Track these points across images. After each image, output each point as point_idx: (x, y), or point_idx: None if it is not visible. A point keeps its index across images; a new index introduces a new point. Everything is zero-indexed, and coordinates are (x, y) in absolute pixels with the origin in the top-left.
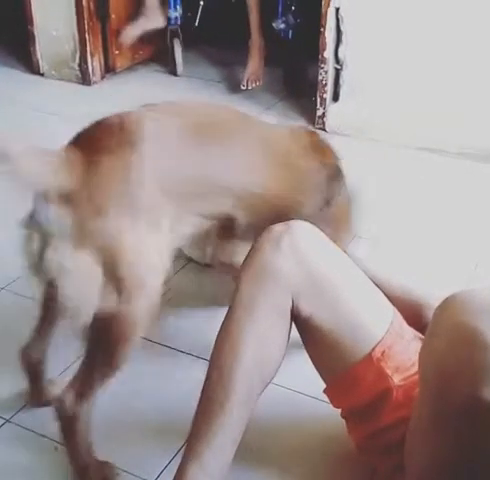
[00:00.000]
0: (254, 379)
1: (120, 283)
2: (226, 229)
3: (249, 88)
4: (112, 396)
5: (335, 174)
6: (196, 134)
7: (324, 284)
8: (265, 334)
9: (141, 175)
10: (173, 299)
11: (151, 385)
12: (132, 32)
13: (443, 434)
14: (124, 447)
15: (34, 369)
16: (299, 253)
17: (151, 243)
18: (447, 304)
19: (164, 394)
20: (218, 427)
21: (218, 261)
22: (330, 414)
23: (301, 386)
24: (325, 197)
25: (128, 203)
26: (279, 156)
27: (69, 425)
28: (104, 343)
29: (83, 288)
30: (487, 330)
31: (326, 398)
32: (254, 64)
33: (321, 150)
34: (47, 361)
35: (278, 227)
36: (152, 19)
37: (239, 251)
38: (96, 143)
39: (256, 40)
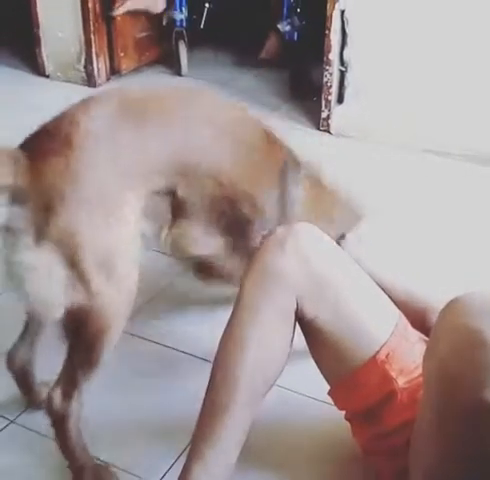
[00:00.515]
0: (258, 381)
1: (85, 276)
2: (178, 209)
3: (267, 58)
4: (116, 397)
5: (289, 167)
6: (135, 118)
7: (328, 286)
8: (269, 336)
9: (87, 168)
10: (178, 301)
11: (155, 386)
12: (128, 5)
13: (447, 437)
14: (128, 448)
15: (21, 372)
16: (303, 255)
17: (114, 232)
18: (450, 307)
19: (168, 395)
20: (222, 428)
21: (174, 248)
22: (335, 417)
23: (306, 388)
24: (281, 191)
25: (81, 196)
26: (228, 137)
27: (60, 425)
28: (81, 340)
29: (48, 285)
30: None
31: (331, 400)
32: (273, 39)
33: (273, 141)
34: (36, 363)
35: (282, 229)
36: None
37: (192, 239)
38: (42, 145)
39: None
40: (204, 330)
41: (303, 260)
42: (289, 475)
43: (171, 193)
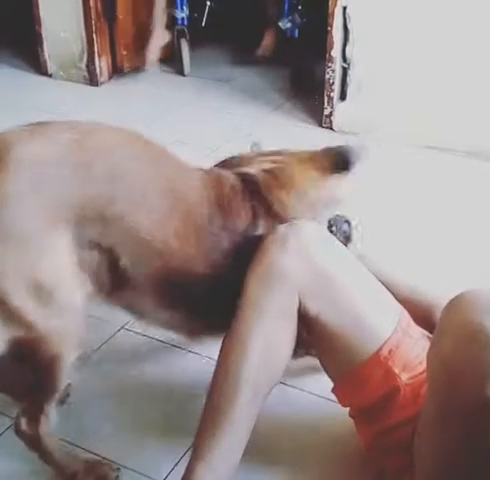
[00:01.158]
0: (261, 379)
1: (18, 310)
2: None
3: (264, 55)
4: (119, 397)
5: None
6: (77, 158)
7: (330, 283)
8: (272, 334)
9: (14, 201)
10: None
11: (159, 385)
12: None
13: (451, 433)
14: (133, 447)
15: None
16: (305, 252)
17: (44, 263)
18: (454, 303)
19: (172, 394)
20: (226, 426)
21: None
22: (339, 414)
23: (310, 386)
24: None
25: (4, 231)
26: (174, 201)
27: (36, 446)
28: (36, 367)
29: None
30: None
31: (335, 398)
32: (269, 37)
33: (228, 206)
34: None
35: (283, 227)
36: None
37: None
38: None
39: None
40: None
41: (305, 257)
42: (293, 472)
43: (109, 253)
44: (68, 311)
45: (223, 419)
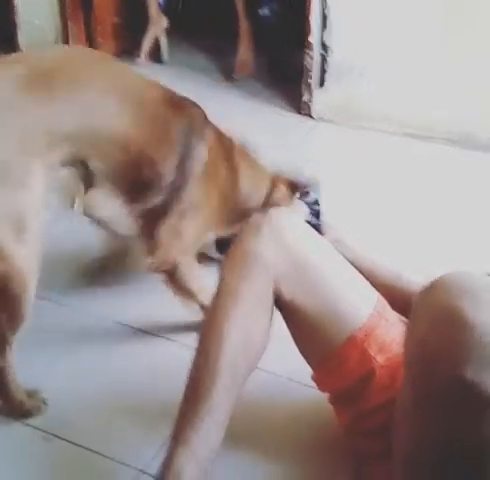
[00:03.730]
0: (239, 364)
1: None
2: (88, 179)
3: (241, 76)
4: (100, 386)
5: (192, 128)
6: (41, 84)
7: (305, 269)
8: (249, 320)
9: None
10: (161, 290)
11: (139, 373)
12: (147, 45)
13: (428, 416)
14: (114, 435)
15: None
16: (279, 239)
17: (21, 199)
18: (430, 287)
19: (151, 380)
20: (205, 412)
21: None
22: (318, 400)
23: (289, 372)
24: (182, 152)
25: None
26: (132, 103)
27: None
28: (4, 301)
29: None
30: (468, 310)
31: (313, 383)
32: (244, 52)
33: (175, 103)
34: None
35: (258, 216)
36: (158, 23)
37: (99, 204)
38: None
39: (244, 26)
40: (185, 315)
41: (279, 244)
42: (273, 458)
43: (81, 164)
44: (38, 240)
45: (202, 404)
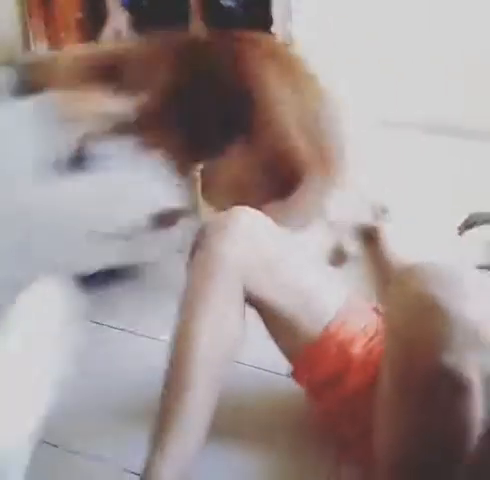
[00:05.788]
0: (214, 365)
1: None
2: None
3: None
4: (86, 383)
5: None
6: None
7: (274, 267)
8: (220, 320)
9: None
10: (143, 286)
11: (118, 372)
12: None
13: (408, 405)
14: (101, 435)
15: None
16: (245, 237)
17: None
18: (403, 275)
19: (137, 378)
20: (183, 417)
21: None
22: (297, 389)
23: (266, 363)
24: None
25: None
26: None
27: None
28: None
29: None
30: (445, 298)
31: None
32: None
33: None
34: None
35: (222, 215)
36: (117, 17)
37: None
38: None
39: (197, 16)
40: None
41: (246, 243)
42: (252, 448)
43: None
44: None
45: (180, 409)
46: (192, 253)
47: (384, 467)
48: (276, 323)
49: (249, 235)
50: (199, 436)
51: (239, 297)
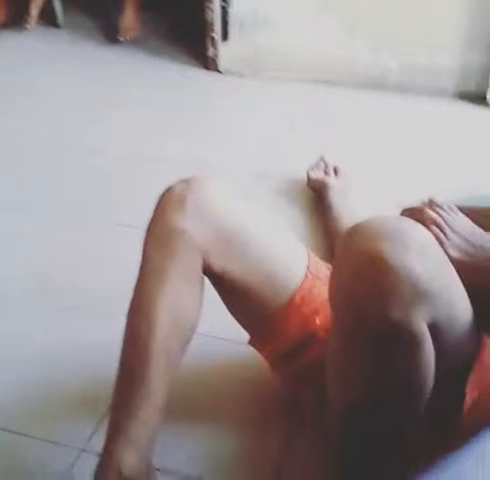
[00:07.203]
0: (172, 345)
1: None
2: None
3: (127, 39)
4: (29, 368)
5: None
6: None
7: (233, 238)
8: (178, 298)
9: None
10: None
11: (69, 353)
12: (35, 10)
13: (359, 361)
14: (48, 417)
15: None
16: (204, 210)
17: None
18: (352, 233)
19: (83, 360)
20: (141, 399)
21: None
22: (251, 356)
23: (219, 331)
24: None
25: None
26: None
27: None
28: None
29: None
30: (391, 254)
31: (246, 341)
32: (130, 12)
33: None
34: None
35: (180, 185)
36: None
37: None
38: None
39: None
40: (121, 291)
41: (204, 215)
42: (210, 419)
43: None
44: None
45: (138, 391)
46: (149, 226)
47: (335, 423)
48: (237, 296)
49: (209, 208)
50: (159, 420)
51: (198, 274)
